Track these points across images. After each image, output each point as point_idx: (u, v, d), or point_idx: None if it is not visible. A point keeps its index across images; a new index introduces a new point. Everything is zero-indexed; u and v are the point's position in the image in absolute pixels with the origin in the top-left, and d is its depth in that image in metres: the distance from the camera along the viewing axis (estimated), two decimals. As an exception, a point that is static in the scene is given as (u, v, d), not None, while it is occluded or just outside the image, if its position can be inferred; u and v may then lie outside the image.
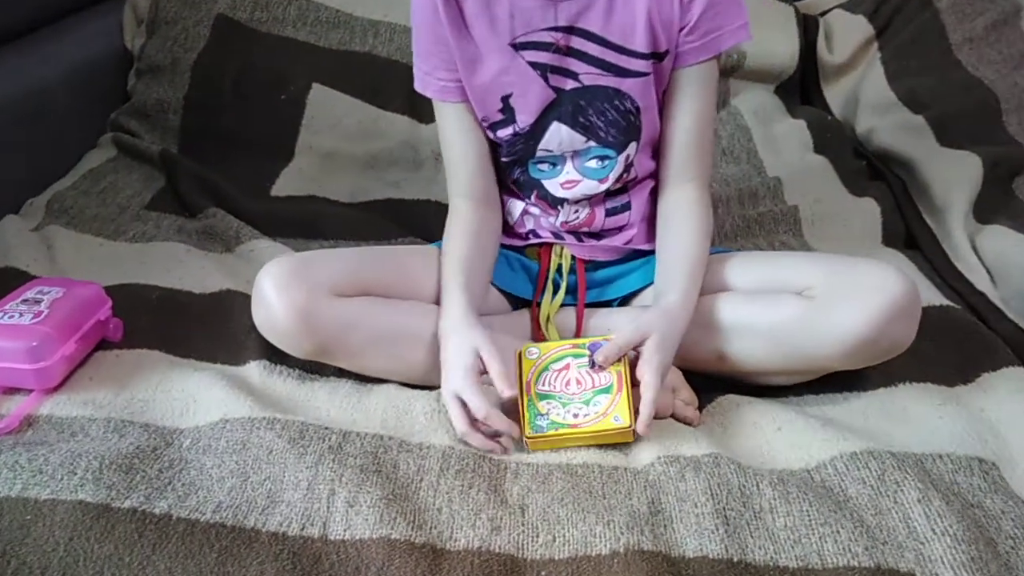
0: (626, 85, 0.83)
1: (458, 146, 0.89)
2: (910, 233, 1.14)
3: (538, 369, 0.78)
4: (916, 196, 1.19)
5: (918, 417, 0.78)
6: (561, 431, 0.74)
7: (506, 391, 0.74)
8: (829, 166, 1.29)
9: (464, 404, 0.74)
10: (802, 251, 0.87)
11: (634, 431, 0.73)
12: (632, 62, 0.82)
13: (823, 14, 1.59)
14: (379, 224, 1.18)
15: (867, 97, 1.41)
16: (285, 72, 1.41)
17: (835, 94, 1.51)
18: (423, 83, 0.87)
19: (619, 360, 0.77)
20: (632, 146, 0.86)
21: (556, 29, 0.81)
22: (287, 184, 1.29)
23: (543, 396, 0.77)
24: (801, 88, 1.55)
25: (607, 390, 0.76)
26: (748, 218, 1.17)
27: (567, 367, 0.78)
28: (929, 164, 1.20)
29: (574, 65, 0.83)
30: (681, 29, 0.81)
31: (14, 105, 1.19)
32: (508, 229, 0.94)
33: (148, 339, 0.89)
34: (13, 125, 1.19)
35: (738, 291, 0.83)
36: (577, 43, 0.82)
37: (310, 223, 1.17)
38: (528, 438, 0.75)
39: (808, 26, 1.55)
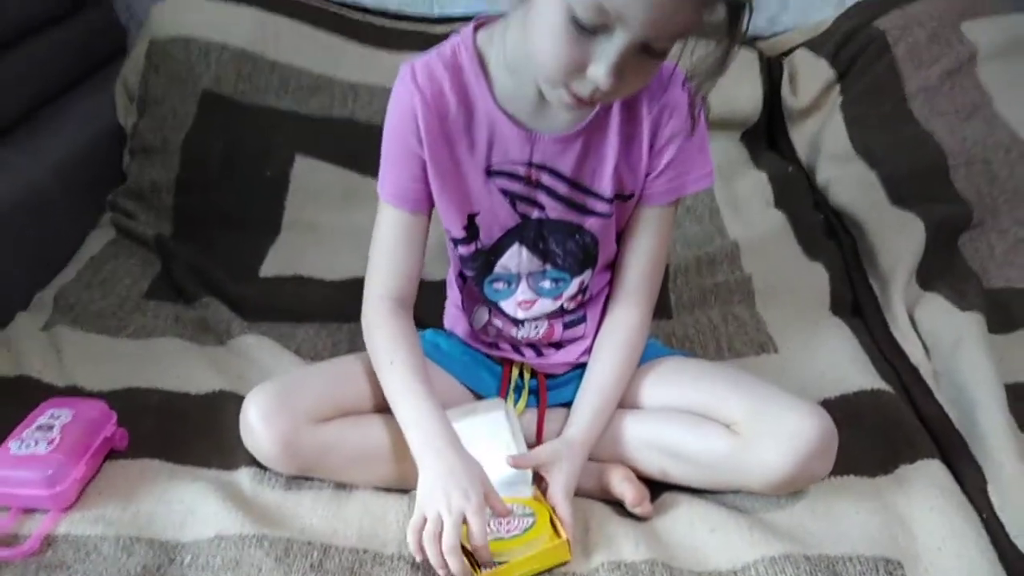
0: (588, 223, 0.88)
1: (394, 254, 0.89)
2: (857, 299, 1.19)
3: None
4: (864, 259, 1.24)
5: (839, 513, 0.84)
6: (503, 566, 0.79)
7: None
8: (787, 223, 1.35)
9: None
10: (733, 372, 0.93)
11: (568, 541, 0.80)
12: (597, 204, 0.86)
13: (787, 54, 1.63)
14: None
15: (827, 146, 1.45)
16: (269, 145, 1.47)
17: (800, 136, 1.55)
18: (380, 183, 0.88)
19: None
20: (587, 273, 0.92)
21: (530, 164, 0.84)
22: (274, 262, 1.36)
23: None
24: (768, 128, 1.59)
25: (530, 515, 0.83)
26: (705, 288, 1.23)
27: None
28: (877, 227, 1.25)
29: (541, 198, 0.86)
30: (648, 174, 0.85)
31: (13, 196, 1.27)
32: (473, 331, 0.99)
33: (150, 447, 0.97)
34: (15, 217, 1.26)
35: (675, 409, 0.90)
36: (547, 180, 0.85)
37: (296, 307, 1.24)
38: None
39: (772, 68, 1.59)
